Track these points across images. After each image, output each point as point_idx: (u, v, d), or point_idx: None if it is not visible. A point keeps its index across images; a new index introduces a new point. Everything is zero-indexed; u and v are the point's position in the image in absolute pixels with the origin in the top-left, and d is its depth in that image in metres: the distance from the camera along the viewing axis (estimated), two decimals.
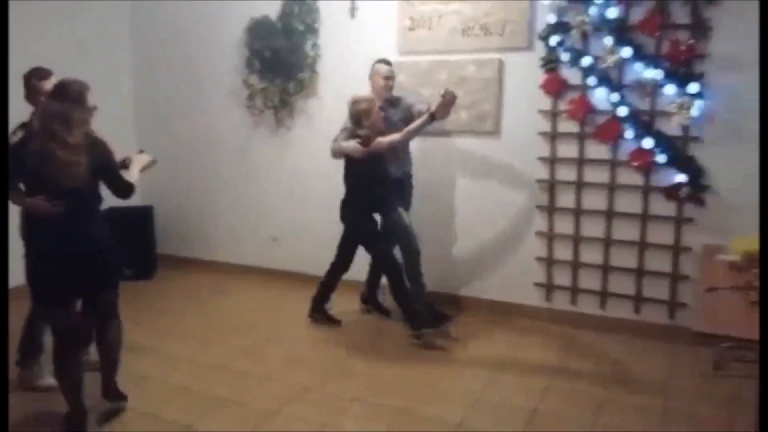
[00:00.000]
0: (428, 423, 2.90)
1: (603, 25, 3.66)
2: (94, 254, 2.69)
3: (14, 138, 2.83)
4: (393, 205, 3.87)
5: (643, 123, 3.68)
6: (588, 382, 3.28)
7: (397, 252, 3.89)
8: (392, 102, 4.01)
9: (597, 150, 3.86)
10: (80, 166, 2.55)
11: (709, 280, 2.51)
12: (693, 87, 3.48)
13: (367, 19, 4.44)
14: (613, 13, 3.62)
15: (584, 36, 3.74)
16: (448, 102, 3.60)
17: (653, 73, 3.58)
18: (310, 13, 4.60)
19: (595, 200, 3.92)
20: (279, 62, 4.75)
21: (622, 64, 3.66)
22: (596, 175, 3.89)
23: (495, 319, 4.15)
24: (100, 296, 2.81)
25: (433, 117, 3.62)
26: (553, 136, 3.97)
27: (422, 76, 4.20)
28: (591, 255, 3.97)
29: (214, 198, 5.33)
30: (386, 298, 4.22)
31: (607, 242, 3.91)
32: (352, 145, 3.72)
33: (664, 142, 3.63)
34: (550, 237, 4.07)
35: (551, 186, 4.01)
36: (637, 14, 3.61)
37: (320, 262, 4.18)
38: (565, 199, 4.00)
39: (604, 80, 3.72)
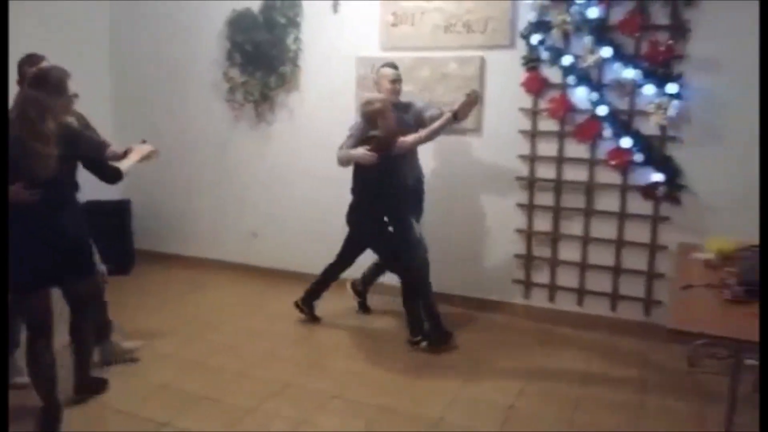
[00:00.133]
0: (408, 420, 2.91)
1: (584, 25, 3.68)
2: (67, 242, 2.71)
3: None
4: (404, 216, 3.71)
5: (622, 122, 3.72)
6: (565, 378, 3.32)
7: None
8: (401, 107, 3.82)
9: (576, 149, 3.89)
10: (50, 157, 2.56)
11: (684, 278, 2.54)
12: (671, 87, 3.52)
13: (350, 13, 4.41)
14: (593, 12, 3.64)
15: (565, 35, 3.76)
16: (471, 102, 3.55)
17: (632, 73, 3.61)
18: (292, 6, 4.56)
19: (573, 198, 3.95)
20: (260, 56, 4.70)
21: (602, 63, 3.69)
22: (575, 173, 3.92)
23: (473, 315, 4.17)
24: (71, 286, 2.83)
25: (455, 117, 3.54)
26: (533, 135, 3.99)
27: (404, 72, 4.18)
28: (569, 252, 4.01)
29: (193, 192, 5.27)
30: (374, 298, 4.23)
31: (585, 240, 3.95)
32: (360, 152, 3.56)
33: (641, 141, 3.68)
34: (529, 234, 4.10)
35: (531, 184, 4.04)
36: (618, 14, 3.64)
37: (300, 259, 4.15)
38: (544, 197, 4.02)
39: (584, 79, 3.74)
